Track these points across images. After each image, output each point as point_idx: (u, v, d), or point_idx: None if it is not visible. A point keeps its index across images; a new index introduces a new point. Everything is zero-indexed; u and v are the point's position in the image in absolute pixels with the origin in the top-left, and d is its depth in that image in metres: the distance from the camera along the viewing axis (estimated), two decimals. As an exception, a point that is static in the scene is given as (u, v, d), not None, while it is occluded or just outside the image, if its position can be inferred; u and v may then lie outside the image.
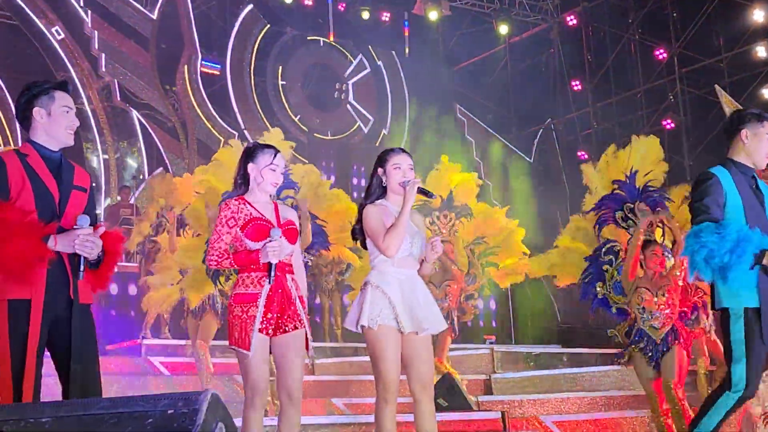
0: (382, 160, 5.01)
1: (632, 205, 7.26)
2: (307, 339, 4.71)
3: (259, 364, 4.54)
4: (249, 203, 4.70)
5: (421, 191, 4.95)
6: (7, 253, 3.69)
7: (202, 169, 8.40)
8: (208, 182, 8.02)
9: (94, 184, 4.29)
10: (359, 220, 5.01)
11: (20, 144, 4.22)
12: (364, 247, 5.07)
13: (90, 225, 3.93)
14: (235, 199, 4.72)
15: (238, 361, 4.64)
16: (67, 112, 4.04)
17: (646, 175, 7.42)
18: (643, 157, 7.49)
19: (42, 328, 3.82)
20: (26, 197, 3.86)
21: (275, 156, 4.73)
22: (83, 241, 3.82)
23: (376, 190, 5.02)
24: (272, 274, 4.53)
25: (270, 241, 4.52)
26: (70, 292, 3.88)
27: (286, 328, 4.60)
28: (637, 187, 7.31)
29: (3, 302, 3.84)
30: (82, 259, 3.86)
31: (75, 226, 3.85)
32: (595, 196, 7.59)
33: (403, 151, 5.06)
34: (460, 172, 10.11)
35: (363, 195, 5.15)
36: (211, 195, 7.83)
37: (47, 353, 3.94)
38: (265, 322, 4.55)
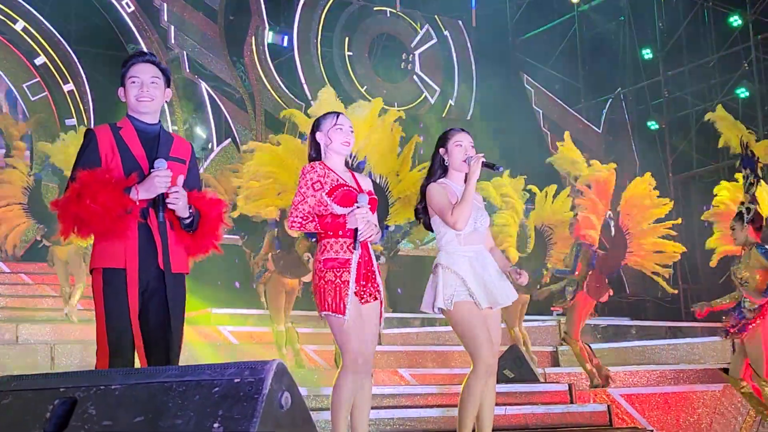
0: (443, 140, 5.10)
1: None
2: (380, 310, 4.71)
3: (357, 327, 4.52)
4: (332, 170, 4.66)
5: (487, 165, 4.97)
6: (93, 210, 3.72)
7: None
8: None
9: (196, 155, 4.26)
10: (422, 200, 5.06)
11: (92, 116, 4.22)
12: (428, 228, 5.11)
13: (188, 190, 3.96)
14: (320, 163, 4.67)
15: (332, 328, 4.59)
16: (134, 82, 4.03)
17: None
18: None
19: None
20: (116, 169, 3.89)
21: (338, 117, 4.72)
22: (162, 181, 3.83)
23: (437, 170, 5.09)
24: (358, 240, 4.51)
25: (358, 207, 4.52)
26: (159, 261, 3.90)
27: (369, 299, 4.60)
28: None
29: (98, 271, 3.89)
30: (162, 199, 3.85)
31: (152, 169, 3.87)
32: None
33: (463, 129, 5.15)
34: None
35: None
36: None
37: None
38: (357, 287, 4.55)
